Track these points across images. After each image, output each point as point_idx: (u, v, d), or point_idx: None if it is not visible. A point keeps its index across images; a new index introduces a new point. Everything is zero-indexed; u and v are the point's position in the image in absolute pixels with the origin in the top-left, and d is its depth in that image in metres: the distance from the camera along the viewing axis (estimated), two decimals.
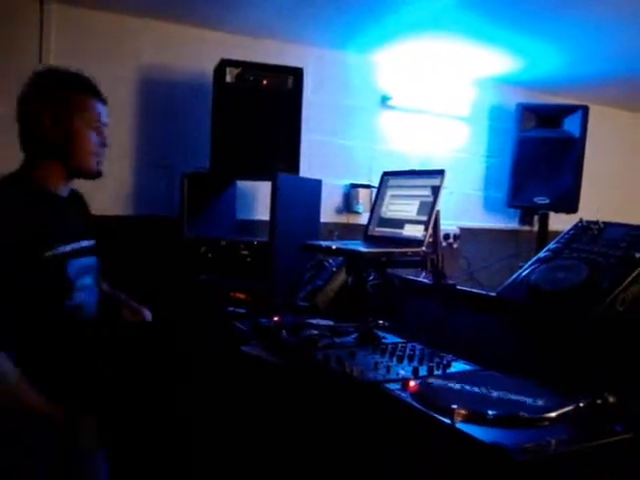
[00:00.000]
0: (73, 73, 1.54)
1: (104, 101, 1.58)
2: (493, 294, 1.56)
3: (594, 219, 1.52)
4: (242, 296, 2.16)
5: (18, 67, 2.59)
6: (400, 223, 1.88)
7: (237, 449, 1.76)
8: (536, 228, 3.64)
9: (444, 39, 3.00)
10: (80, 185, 1.63)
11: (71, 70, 1.54)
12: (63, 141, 1.48)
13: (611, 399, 1.06)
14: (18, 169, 1.50)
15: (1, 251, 1.31)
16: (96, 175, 1.56)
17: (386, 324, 1.79)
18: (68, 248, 1.47)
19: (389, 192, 2.01)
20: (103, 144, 1.56)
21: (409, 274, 2.01)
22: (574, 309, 1.30)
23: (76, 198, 1.67)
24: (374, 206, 2.06)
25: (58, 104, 1.47)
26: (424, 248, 1.74)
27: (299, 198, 2.48)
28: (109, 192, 2.79)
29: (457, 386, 1.24)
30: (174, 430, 2.19)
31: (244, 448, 1.72)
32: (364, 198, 3.30)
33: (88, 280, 1.55)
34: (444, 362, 1.44)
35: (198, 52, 2.94)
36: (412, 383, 1.24)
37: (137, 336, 1.88)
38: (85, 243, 1.57)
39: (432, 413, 1.12)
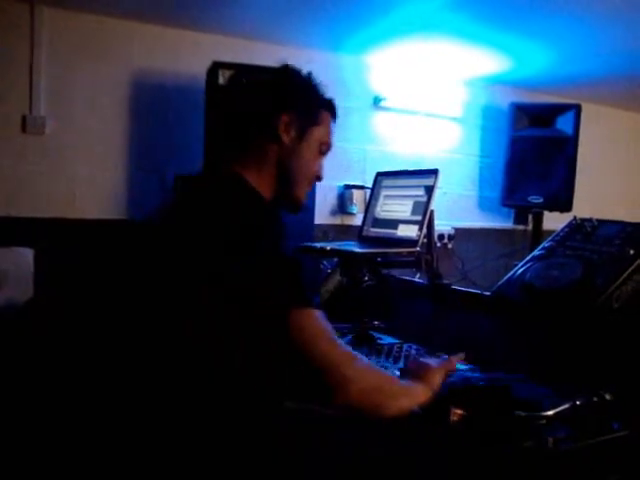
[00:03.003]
0: (315, 79, 1.30)
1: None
2: (488, 293, 1.56)
3: (588, 217, 1.52)
4: None
5: (9, 72, 2.61)
6: (394, 223, 1.87)
7: None
8: (530, 227, 3.64)
9: (435, 40, 3.00)
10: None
11: (311, 75, 1.30)
12: (289, 157, 1.22)
13: (608, 397, 1.05)
14: (230, 174, 1.18)
15: None
16: (299, 210, 1.29)
17: (381, 325, 1.78)
18: None
19: (383, 192, 2.01)
20: (319, 177, 1.31)
21: (404, 274, 2.00)
22: (569, 307, 1.29)
23: None
24: (368, 207, 2.05)
25: (299, 112, 1.23)
26: (418, 248, 1.73)
27: None
28: (101, 196, 2.79)
29: (453, 385, 1.23)
30: None
31: None
32: (358, 199, 3.30)
33: None
34: None
35: (190, 55, 2.93)
36: None
37: None
38: None
39: (429, 413, 1.11)
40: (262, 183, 1.19)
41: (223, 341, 0.99)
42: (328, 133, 1.30)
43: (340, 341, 1.08)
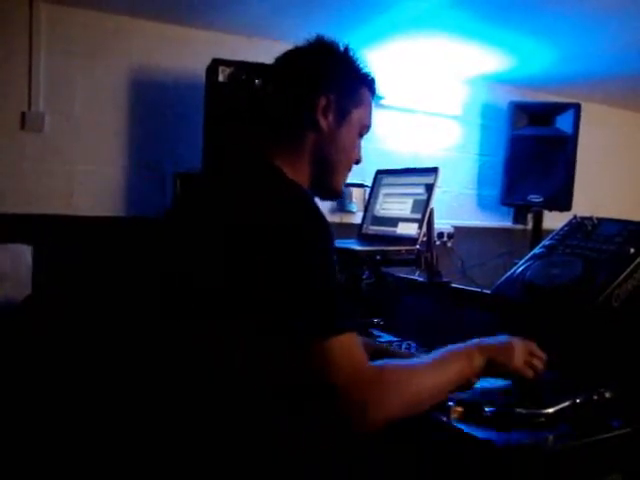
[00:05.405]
0: (353, 52, 1.18)
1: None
2: (488, 291, 1.56)
3: (588, 215, 1.52)
4: None
5: (7, 68, 2.60)
6: (394, 221, 1.87)
7: None
8: (530, 226, 3.64)
9: (435, 38, 2.99)
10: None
11: (349, 48, 1.17)
12: (327, 145, 1.12)
13: (608, 395, 1.05)
14: (265, 166, 1.07)
15: None
16: (337, 198, 1.24)
17: (381, 322, 1.78)
18: None
19: (383, 190, 2.01)
20: (358, 161, 1.21)
21: (403, 272, 2.00)
22: (569, 305, 1.29)
23: None
24: (368, 205, 2.05)
25: (338, 94, 1.11)
26: (418, 246, 1.73)
27: None
28: (100, 193, 2.78)
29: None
30: None
31: None
32: (358, 197, 3.29)
33: None
34: None
35: (190, 52, 2.92)
36: None
37: None
38: None
39: (428, 411, 1.11)
40: (299, 174, 1.11)
41: (224, 341, 0.92)
42: (369, 114, 1.20)
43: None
